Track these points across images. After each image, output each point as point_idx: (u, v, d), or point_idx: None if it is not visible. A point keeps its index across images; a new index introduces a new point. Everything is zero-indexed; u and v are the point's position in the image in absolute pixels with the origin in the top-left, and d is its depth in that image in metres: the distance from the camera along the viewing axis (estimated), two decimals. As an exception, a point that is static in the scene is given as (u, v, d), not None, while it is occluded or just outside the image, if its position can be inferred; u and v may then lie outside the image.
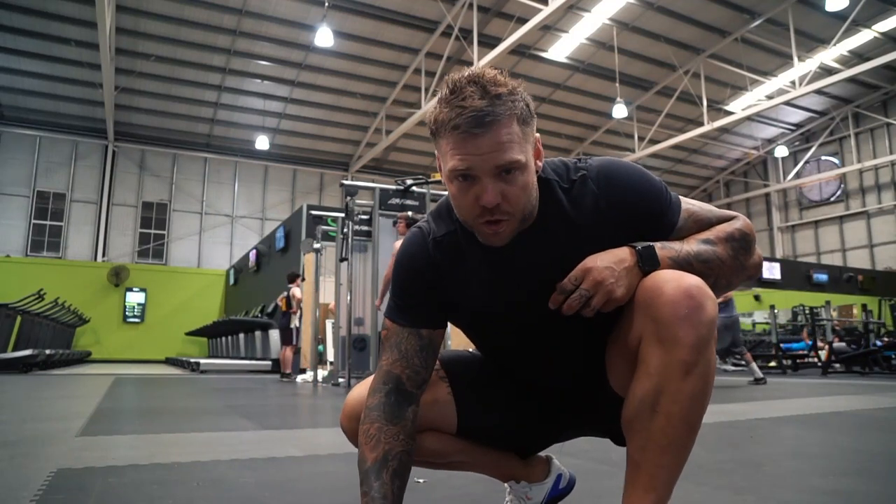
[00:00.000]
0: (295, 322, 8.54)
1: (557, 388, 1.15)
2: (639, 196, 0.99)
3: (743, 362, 13.04)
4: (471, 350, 1.29)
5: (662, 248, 0.95)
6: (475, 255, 1.04)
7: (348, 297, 6.86)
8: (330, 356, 9.07)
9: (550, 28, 14.15)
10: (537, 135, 0.98)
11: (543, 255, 1.00)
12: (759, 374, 6.89)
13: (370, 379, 1.13)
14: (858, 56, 15.26)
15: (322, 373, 7.86)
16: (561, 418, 1.19)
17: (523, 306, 1.04)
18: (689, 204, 1.03)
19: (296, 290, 8.55)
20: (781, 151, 20.38)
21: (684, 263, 0.95)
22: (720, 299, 6.96)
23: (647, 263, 0.93)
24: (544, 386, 1.16)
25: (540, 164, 0.99)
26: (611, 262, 0.93)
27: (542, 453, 1.34)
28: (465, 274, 1.06)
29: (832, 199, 20.23)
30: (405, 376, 1.05)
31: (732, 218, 1.03)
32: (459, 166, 0.91)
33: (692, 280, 0.90)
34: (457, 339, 7.02)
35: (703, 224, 1.02)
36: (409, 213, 5.98)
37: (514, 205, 0.93)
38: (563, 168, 1.03)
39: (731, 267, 0.99)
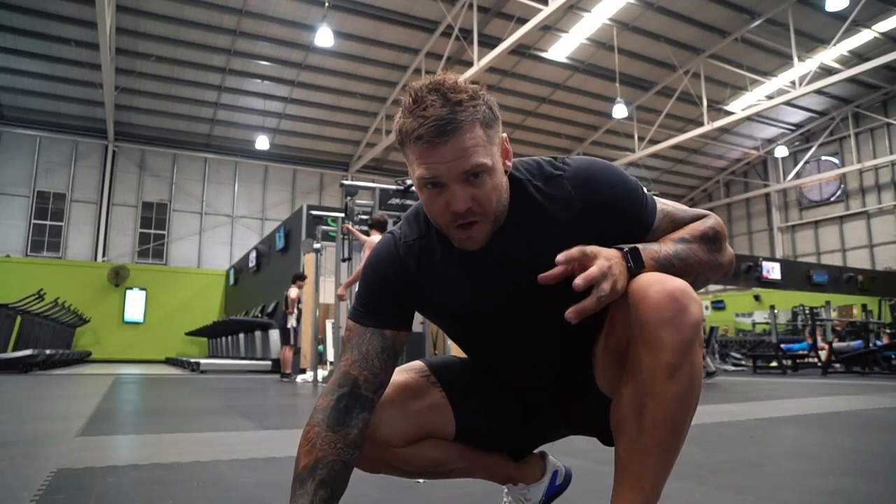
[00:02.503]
0: (291, 322, 8.54)
1: (542, 387, 1.15)
2: (615, 198, 1.00)
3: (743, 362, 13.10)
4: (458, 356, 1.28)
5: (644, 250, 0.95)
6: (450, 257, 1.04)
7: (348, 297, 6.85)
8: (330, 356, 9.07)
9: (550, 28, 14.14)
10: (504, 135, 0.98)
11: (518, 254, 1.00)
12: (712, 367, 7.79)
13: None
14: (858, 56, 15.25)
15: (322, 373, 7.86)
16: (548, 418, 1.19)
17: (501, 306, 1.05)
18: (663, 204, 1.04)
19: (290, 291, 8.55)
20: (781, 151, 20.37)
21: (666, 264, 0.95)
22: None
23: (636, 265, 0.93)
24: (528, 386, 1.16)
25: (509, 163, 1.00)
26: (612, 256, 0.92)
27: (536, 450, 1.33)
28: (440, 277, 1.05)
29: (832, 199, 20.22)
30: (363, 378, 1.02)
31: (704, 216, 1.04)
32: (426, 174, 0.92)
33: (676, 283, 0.90)
34: (457, 339, 7.02)
35: (678, 223, 1.03)
36: (373, 217, 5.86)
37: (486, 207, 0.94)
38: (535, 167, 1.03)
39: (708, 264, 1.00)
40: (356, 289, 5.20)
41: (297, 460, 0.98)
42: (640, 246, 0.96)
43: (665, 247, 0.98)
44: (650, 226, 1.01)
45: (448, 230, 0.97)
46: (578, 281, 0.87)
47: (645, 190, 1.04)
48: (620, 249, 0.95)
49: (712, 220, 1.03)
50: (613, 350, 0.99)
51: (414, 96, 0.92)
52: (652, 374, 0.89)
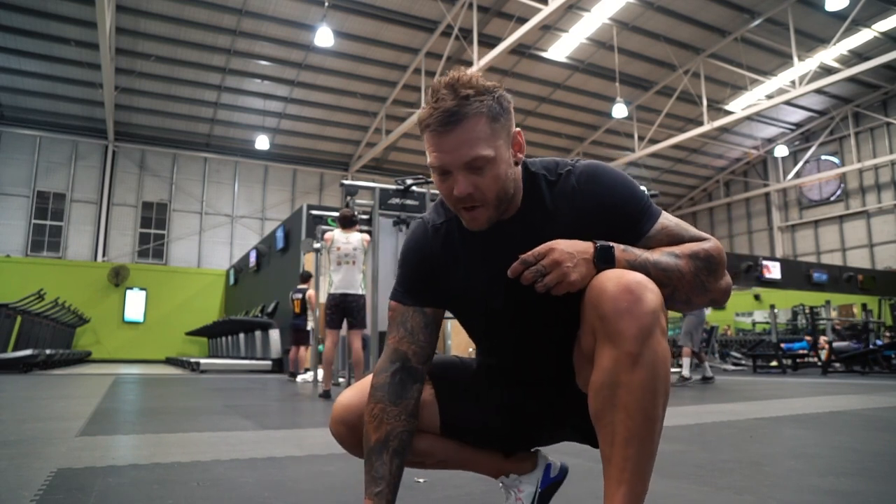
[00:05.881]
0: (311, 324, 8.42)
1: (535, 384, 1.18)
2: (615, 198, 1.05)
3: (743, 361, 13.09)
4: (458, 355, 1.34)
5: (624, 251, 0.99)
6: (468, 241, 1.12)
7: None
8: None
9: (550, 28, 14.14)
10: (517, 129, 1.05)
11: (522, 243, 1.04)
12: (709, 373, 7.31)
13: (359, 383, 1.18)
14: (858, 56, 15.25)
15: (322, 373, 7.84)
16: (539, 419, 1.21)
17: (509, 293, 1.09)
18: (666, 219, 1.07)
19: (312, 291, 8.41)
20: (781, 151, 20.37)
21: (640, 268, 0.98)
22: None
23: (602, 260, 0.97)
24: (522, 380, 1.20)
25: (521, 156, 1.07)
26: (573, 248, 0.97)
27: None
28: (460, 260, 1.13)
29: (832, 198, 20.21)
30: (411, 352, 1.11)
31: (705, 239, 1.06)
32: (435, 162, 1.02)
33: (633, 276, 0.93)
34: (457, 339, 7.03)
35: (675, 239, 1.05)
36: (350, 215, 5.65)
37: (486, 194, 1.01)
38: (552, 164, 1.11)
39: (691, 283, 1.01)
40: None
41: (366, 437, 1.07)
42: (621, 246, 0.99)
43: (649, 254, 1.00)
44: (645, 233, 1.04)
45: (457, 211, 1.06)
46: (509, 272, 0.98)
47: (652, 202, 1.08)
48: (595, 244, 0.99)
49: (709, 244, 1.04)
50: (584, 348, 1.02)
51: (433, 89, 1.01)
52: (617, 365, 0.91)
